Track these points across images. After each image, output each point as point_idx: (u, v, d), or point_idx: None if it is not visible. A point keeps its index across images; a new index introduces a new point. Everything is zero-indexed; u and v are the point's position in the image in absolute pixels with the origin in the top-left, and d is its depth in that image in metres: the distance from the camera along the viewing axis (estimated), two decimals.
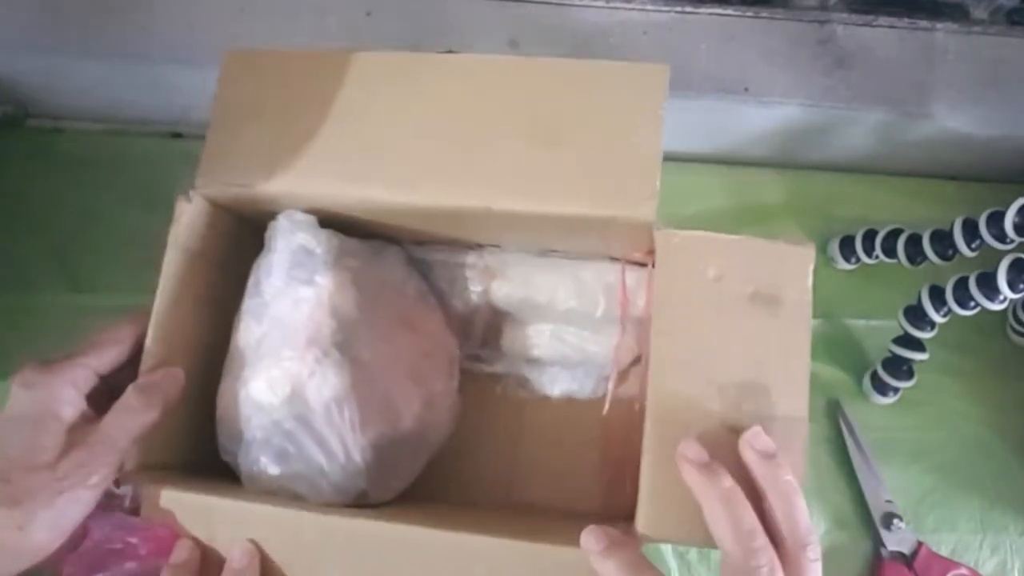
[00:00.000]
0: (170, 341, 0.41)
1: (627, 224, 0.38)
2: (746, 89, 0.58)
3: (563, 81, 0.40)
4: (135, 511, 0.39)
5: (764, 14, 0.56)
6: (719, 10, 0.55)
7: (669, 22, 0.55)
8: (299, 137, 0.41)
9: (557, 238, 0.46)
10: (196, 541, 0.38)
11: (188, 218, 0.42)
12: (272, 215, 0.44)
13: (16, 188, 0.60)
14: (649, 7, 0.54)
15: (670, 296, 0.38)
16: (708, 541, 0.34)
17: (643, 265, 0.46)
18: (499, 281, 0.49)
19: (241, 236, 0.47)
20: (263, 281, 0.42)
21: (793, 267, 0.37)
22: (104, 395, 0.39)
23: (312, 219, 0.44)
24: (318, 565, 0.38)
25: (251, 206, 0.44)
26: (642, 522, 0.36)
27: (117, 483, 0.39)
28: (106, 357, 0.39)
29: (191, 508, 0.39)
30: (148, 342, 0.39)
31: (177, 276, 0.41)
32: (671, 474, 0.35)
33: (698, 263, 0.38)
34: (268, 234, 0.44)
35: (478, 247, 0.51)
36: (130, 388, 0.37)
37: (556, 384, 0.52)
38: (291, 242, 0.42)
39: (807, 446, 0.36)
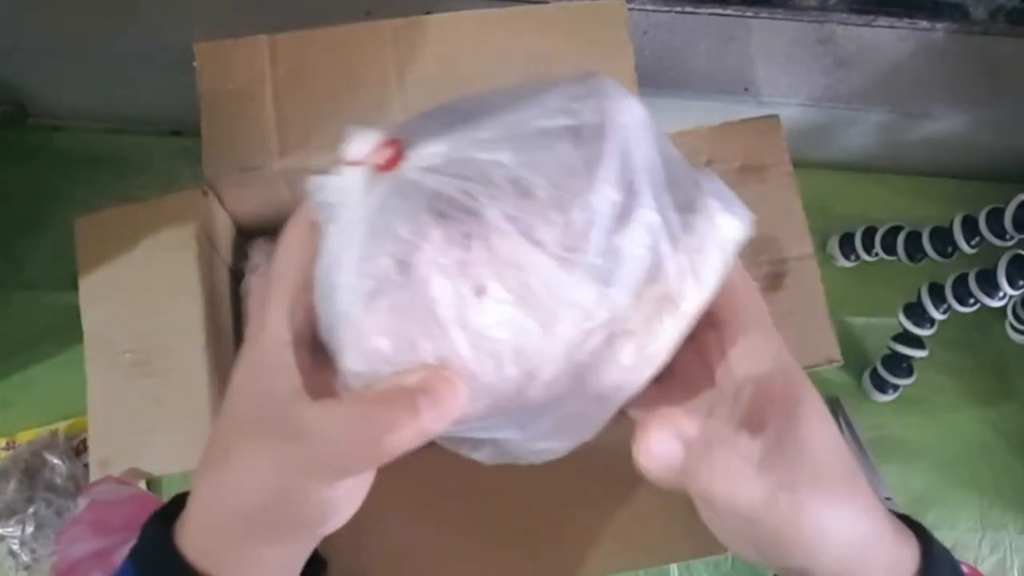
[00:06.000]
0: None
1: None
2: (746, 89, 0.58)
3: (538, 24, 0.44)
4: None
5: (764, 14, 0.56)
6: (719, 10, 0.55)
7: (669, 22, 0.56)
8: (303, 112, 0.42)
9: None
10: None
11: (208, 213, 0.42)
12: (275, 198, 0.44)
13: (16, 187, 0.60)
14: (649, 7, 0.54)
15: None
16: None
17: None
18: None
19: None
20: None
21: (768, 137, 0.44)
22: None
23: None
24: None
25: (249, 192, 0.43)
26: None
27: None
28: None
29: None
30: None
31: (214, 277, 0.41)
32: None
33: (690, 155, 0.44)
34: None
35: None
36: None
37: None
38: None
39: (820, 277, 0.42)
